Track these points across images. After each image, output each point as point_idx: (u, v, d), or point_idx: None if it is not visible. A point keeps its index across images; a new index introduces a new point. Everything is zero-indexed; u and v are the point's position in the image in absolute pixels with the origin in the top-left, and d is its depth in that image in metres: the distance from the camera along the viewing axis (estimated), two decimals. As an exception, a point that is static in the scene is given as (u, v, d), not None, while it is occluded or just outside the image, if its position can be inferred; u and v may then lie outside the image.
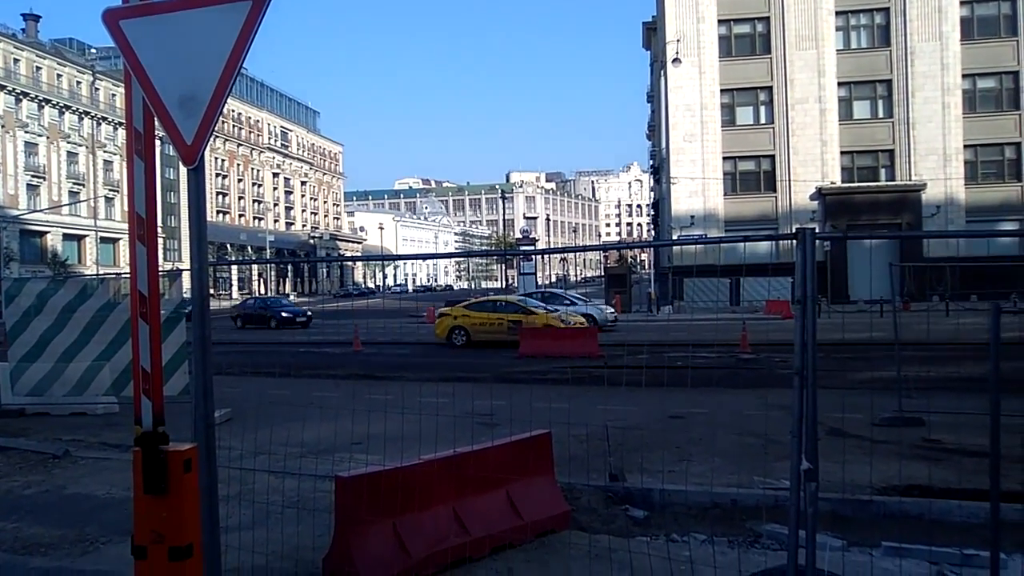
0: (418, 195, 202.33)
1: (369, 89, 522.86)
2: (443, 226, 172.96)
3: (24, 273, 51.77)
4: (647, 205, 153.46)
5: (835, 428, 9.23)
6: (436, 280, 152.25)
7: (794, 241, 4.09)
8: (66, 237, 72.22)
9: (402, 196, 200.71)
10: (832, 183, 44.27)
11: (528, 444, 6.62)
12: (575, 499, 7.12)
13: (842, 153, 44.76)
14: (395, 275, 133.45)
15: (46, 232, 70.03)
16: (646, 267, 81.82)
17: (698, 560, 5.44)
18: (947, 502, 6.78)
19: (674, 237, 43.29)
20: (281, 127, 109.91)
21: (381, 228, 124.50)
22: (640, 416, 10.66)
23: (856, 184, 44.52)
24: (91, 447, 10.17)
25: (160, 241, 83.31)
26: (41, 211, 66.30)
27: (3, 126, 66.29)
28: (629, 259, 74.31)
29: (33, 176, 69.36)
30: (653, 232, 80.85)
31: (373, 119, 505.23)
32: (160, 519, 4.18)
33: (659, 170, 57.05)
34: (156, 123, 3.97)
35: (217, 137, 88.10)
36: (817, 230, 4.23)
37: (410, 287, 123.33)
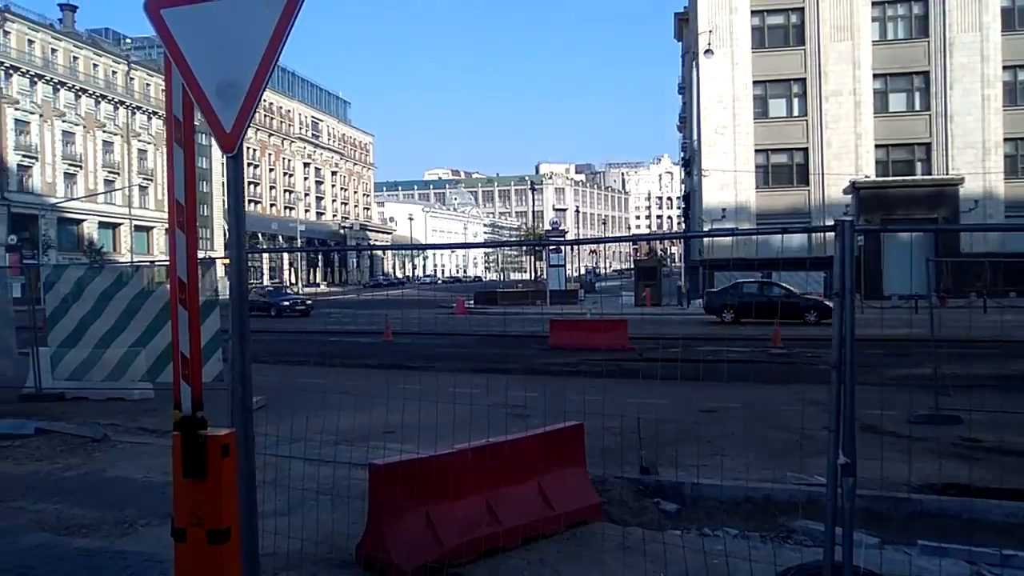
0: (448, 186, 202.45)
1: (399, 80, 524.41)
2: (472, 217, 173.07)
3: (61, 260, 52.65)
4: (678, 198, 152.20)
5: (870, 424, 9.11)
6: (465, 271, 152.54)
7: (826, 234, 4.05)
8: (102, 225, 73.36)
9: (432, 187, 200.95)
10: (866, 177, 43.66)
11: (560, 435, 6.62)
12: (606, 491, 7.11)
13: (877, 146, 44.10)
14: (424, 266, 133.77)
15: (83, 220, 71.17)
16: (676, 260, 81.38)
17: (732, 554, 5.41)
18: (986, 502, 6.66)
19: (705, 230, 42.91)
20: (312, 117, 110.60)
21: (411, 219, 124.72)
22: (672, 410, 10.61)
23: (891, 178, 43.85)
24: (128, 432, 10.35)
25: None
26: (78, 199, 67.37)
27: (42, 115, 67.37)
28: (659, 252, 73.88)
29: (70, 165, 70.48)
30: (683, 225, 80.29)
31: (403, 110, 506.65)
32: (199, 502, 4.24)
33: (690, 162, 56.63)
34: (195, 111, 4.01)
35: (249, 126, 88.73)
36: (853, 224, 4.17)
37: (439, 278, 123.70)
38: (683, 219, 73.05)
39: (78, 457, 8.88)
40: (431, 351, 20.64)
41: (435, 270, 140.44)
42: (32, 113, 66.60)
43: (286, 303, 41.07)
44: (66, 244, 67.46)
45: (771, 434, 9.83)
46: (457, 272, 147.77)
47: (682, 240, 61.80)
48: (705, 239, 41.25)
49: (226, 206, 4.15)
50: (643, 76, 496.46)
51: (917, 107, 43.98)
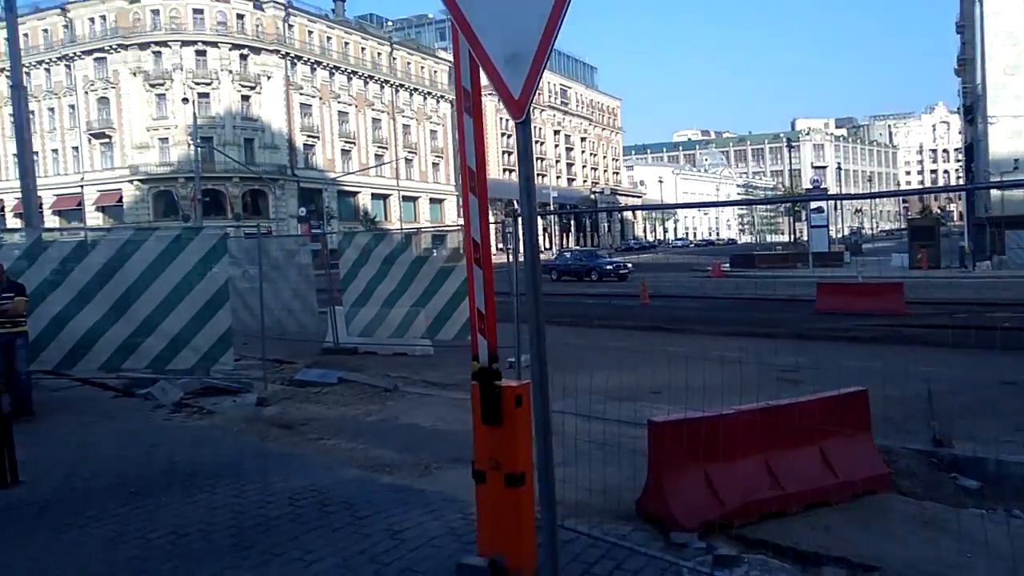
0: (697, 147, 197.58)
1: (645, 41, 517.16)
2: (724, 178, 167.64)
3: (343, 229, 58.02)
4: (955, 150, 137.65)
5: None
6: (718, 234, 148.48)
7: None
8: (374, 196, 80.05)
9: (681, 148, 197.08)
10: None
11: (843, 400, 6.33)
12: (892, 462, 6.68)
13: None
14: (675, 229, 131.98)
15: (357, 192, 78.03)
16: (956, 219, 73.80)
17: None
18: None
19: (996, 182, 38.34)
20: (560, 85, 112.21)
21: (660, 181, 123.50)
22: (963, 380, 9.71)
23: None
24: (414, 384, 11.28)
25: (454, 199, 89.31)
26: (353, 173, 73.76)
27: (321, 98, 74.48)
28: (936, 210, 67.29)
29: (345, 142, 77.44)
30: (964, 179, 72.48)
31: (650, 72, 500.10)
32: (495, 448, 4.55)
33: (972, 109, 50.76)
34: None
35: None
36: None
37: (691, 241, 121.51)
38: (964, 172, 65.96)
39: (375, 404, 9.85)
40: (688, 314, 20.39)
41: (686, 233, 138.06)
42: (313, 97, 73.93)
43: (609, 267, 39.34)
44: (345, 215, 74.25)
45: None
46: (709, 235, 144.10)
47: (964, 195, 55.73)
48: (994, 193, 36.93)
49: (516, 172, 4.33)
50: (911, 17, 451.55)
51: None
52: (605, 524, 5.38)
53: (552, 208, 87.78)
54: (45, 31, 69.77)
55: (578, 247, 73.30)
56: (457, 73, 4.66)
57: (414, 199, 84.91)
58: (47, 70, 69.24)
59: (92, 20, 67.84)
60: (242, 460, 7.15)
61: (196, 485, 6.42)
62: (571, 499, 5.61)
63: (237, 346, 11.25)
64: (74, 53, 67.94)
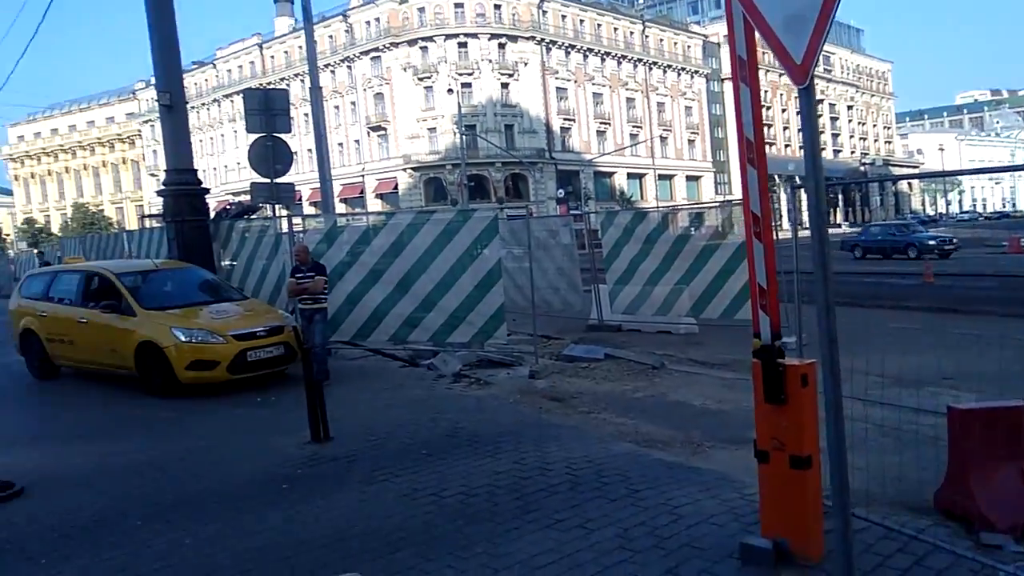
0: (986, 109, 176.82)
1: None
2: (1020, 142, 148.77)
3: (599, 210, 58.77)
4: None
5: None
6: (1014, 205, 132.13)
7: None
8: (629, 176, 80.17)
9: (965, 112, 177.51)
10: None
11: None
12: None
13: None
14: (960, 201, 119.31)
15: (613, 172, 78.60)
16: None
17: None
18: None
19: None
20: (823, 51, 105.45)
21: (941, 149, 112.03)
22: None
23: None
24: (680, 362, 11.23)
25: (711, 175, 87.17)
26: (608, 154, 74.32)
27: (575, 81, 75.72)
28: None
29: (600, 123, 78.18)
30: None
31: (925, 29, 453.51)
32: (779, 428, 4.40)
33: None
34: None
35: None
36: None
37: (980, 214, 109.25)
38: None
39: (642, 381, 9.94)
40: (982, 294, 18.37)
41: (974, 205, 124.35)
42: (568, 80, 75.39)
43: (931, 242, 33.15)
44: (601, 195, 75.20)
45: None
46: (1004, 206, 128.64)
47: None
48: None
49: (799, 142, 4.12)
50: None
51: None
52: (898, 515, 5.02)
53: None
54: (330, 37, 76.85)
55: (885, 221, 67.97)
56: (731, 42, 4.55)
57: (670, 177, 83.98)
58: (332, 72, 76.27)
59: (368, 23, 73.82)
60: (519, 429, 7.50)
61: (479, 450, 6.84)
62: (859, 487, 5.29)
63: (507, 322, 11.80)
64: (354, 55, 74.34)
